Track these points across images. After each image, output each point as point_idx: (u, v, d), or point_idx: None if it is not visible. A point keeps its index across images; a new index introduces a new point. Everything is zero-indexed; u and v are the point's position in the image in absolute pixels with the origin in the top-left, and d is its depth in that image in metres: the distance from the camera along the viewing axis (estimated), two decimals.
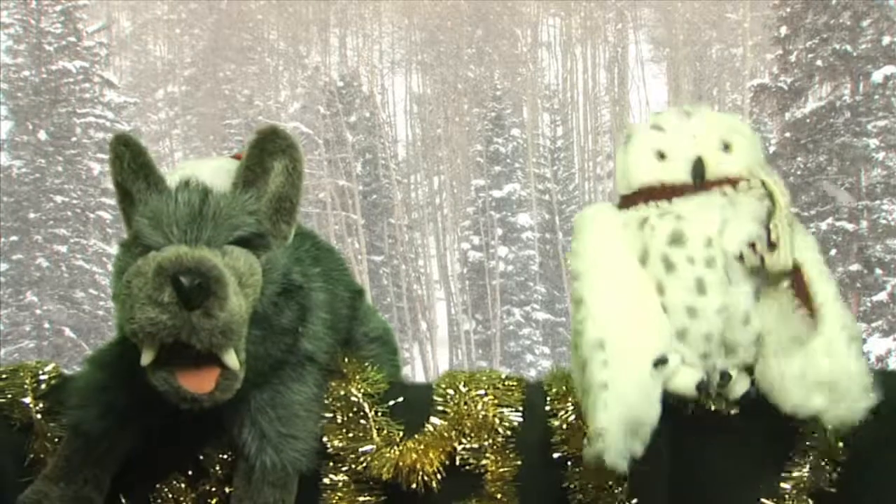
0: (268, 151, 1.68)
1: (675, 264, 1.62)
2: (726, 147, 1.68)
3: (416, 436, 1.72)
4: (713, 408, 1.65)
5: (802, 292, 1.61)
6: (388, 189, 36.15)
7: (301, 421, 1.71)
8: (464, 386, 1.74)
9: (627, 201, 1.70)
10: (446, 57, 43.24)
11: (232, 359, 1.58)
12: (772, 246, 1.60)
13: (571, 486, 1.70)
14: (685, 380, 1.63)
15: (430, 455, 1.70)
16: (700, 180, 1.65)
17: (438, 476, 1.70)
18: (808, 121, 20.33)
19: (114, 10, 49.54)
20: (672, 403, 1.63)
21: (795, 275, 1.61)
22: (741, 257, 1.60)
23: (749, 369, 1.66)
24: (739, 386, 1.65)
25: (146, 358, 1.56)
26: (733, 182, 1.66)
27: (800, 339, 1.60)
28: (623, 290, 1.62)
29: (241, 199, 1.66)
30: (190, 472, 1.77)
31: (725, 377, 1.63)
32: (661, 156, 1.68)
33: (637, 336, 1.60)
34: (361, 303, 1.98)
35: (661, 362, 1.60)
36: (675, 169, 1.67)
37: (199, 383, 1.57)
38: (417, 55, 46.05)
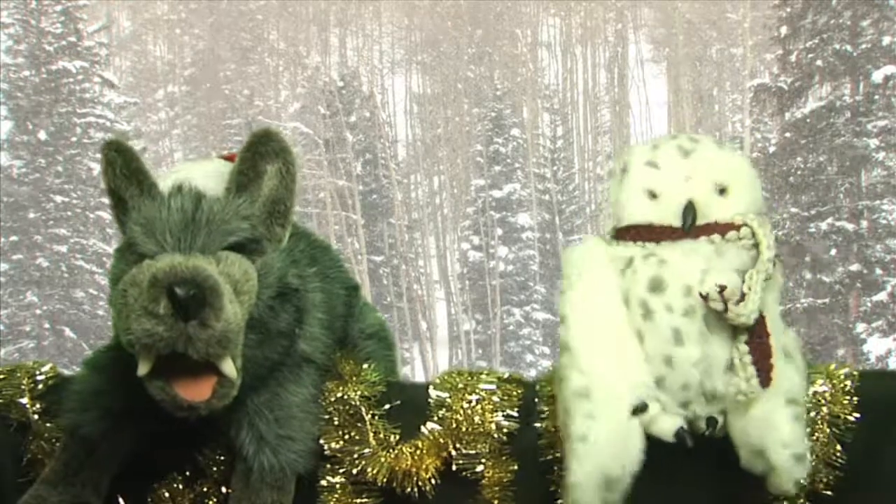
0: (261, 154, 1.67)
1: (654, 312, 1.59)
2: (722, 191, 1.65)
3: (412, 441, 1.72)
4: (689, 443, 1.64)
5: (762, 352, 1.57)
6: (388, 189, 36.15)
7: (298, 422, 1.71)
8: (461, 388, 1.74)
9: (618, 234, 1.68)
10: (446, 57, 43.25)
11: (229, 367, 1.57)
12: (742, 297, 1.56)
13: (560, 490, 1.70)
14: (664, 426, 1.61)
15: (426, 461, 1.70)
16: (689, 225, 1.62)
17: (433, 482, 1.70)
18: (808, 121, 20.33)
19: (114, 10, 49.53)
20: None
21: (758, 330, 1.57)
22: (706, 297, 1.56)
23: None
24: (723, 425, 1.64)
25: (143, 368, 1.55)
26: (723, 229, 1.62)
27: (739, 397, 1.57)
28: (607, 335, 1.60)
29: (234, 204, 1.65)
30: (187, 473, 1.77)
31: (712, 422, 1.61)
32: (653, 195, 1.65)
33: (619, 384, 1.58)
34: (357, 299, 1.97)
35: (640, 410, 1.58)
36: (665, 211, 1.64)
37: (196, 392, 1.57)
38: (417, 55, 46.06)
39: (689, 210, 1.62)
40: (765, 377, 1.56)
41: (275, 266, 1.66)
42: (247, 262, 1.62)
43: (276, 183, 1.68)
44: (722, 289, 1.56)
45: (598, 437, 1.56)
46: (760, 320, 1.57)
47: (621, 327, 1.61)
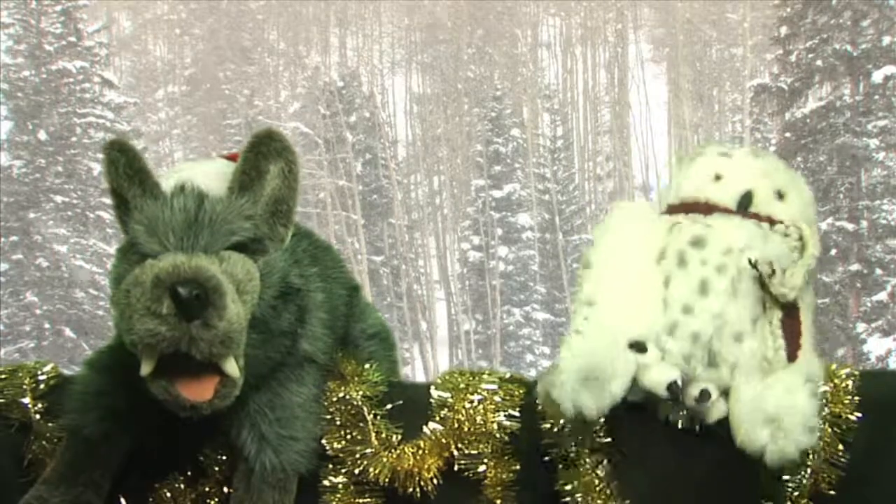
0: (263, 154, 1.67)
1: (688, 262, 1.64)
2: (780, 196, 1.72)
3: (415, 441, 1.72)
4: (680, 424, 1.64)
5: (793, 332, 1.63)
6: (388, 189, 36.16)
7: (300, 422, 1.71)
8: (463, 388, 1.74)
9: (671, 209, 1.74)
10: (446, 57, 43.26)
11: (232, 367, 1.57)
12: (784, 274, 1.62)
13: (562, 489, 1.70)
14: (658, 376, 1.62)
15: (428, 461, 1.70)
16: (744, 209, 1.69)
17: (435, 482, 1.70)
18: (808, 121, 20.34)
19: (114, 10, 49.54)
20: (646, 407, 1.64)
21: (792, 312, 1.63)
22: (754, 264, 1.61)
23: (725, 395, 1.65)
24: (717, 410, 1.65)
25: (146, 368, 1.55)
26: (773, 221, 1.69)
27: (763, 364, 1.62)
28: (629, 271, 1.66)
29: (237, 204, 1.65)
30: (189, 473, 1.76)
31: (705, 395, 1.63)
32: (718, 177, 1.72)
33: (627, 312, 1.63)
34: (358, 299, 1.97)
35: (638, 347, 1.61)
36: (724, 193, 1.71)
37: (198, 392, 1.57)
38: (417, 55, 46.07)
39: (748, 197, 1.70)
40: (791, 352, 1.62)
41: (277, 266, 1.66)
42: (249, 261, 1.62)
43: (279, 183, 1.68)
44: (770, 264, 1.62)
45: (593, 334, 1.60)
46: (795, 305, 1.63)
47: (645, 278, 1.65)
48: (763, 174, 1.72)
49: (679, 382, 1.62)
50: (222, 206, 1.63)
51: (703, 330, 1.62)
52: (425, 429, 1.72)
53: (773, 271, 1.60)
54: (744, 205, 1.69)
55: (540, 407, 1.66)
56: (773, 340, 1.62)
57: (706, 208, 1.70)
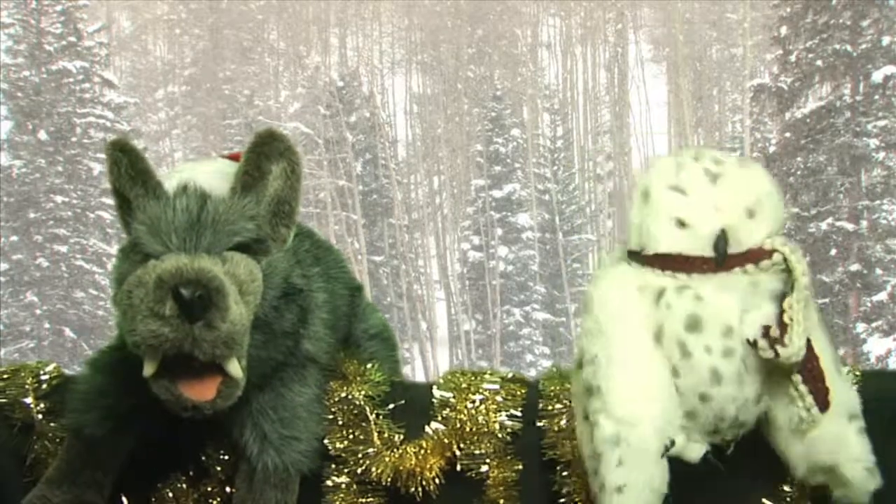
0: (265, 155, 1.67)
1: (692, 352, 1.57)
2: (751, 214, 1.61)
3: (417, 441, 1.72)
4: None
5: (815, 376, 1.59)
6: (388, 189, 36.14)
7: (302, 422, 1.71)
8: (465, 388, 1.74)
9: (641, 260, 1.63)
10: (446, 57, 43.25)
11: (235, 368, 1.57)
12: (783, 327, 1.55)
13: (562, 489, 1.70)
14: (691, 454, 1.62)
15: (430, 461, 1.70)
16: (722, 258, 1.58)
17: (438, 481, 1.70)
18: (808, 121, 20.33)
19: (114, 10, 49.52)
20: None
21: (807, 356, 1.57)
22: (754, 344, 1.55)
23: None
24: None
25: (148, 369, 1.55)
26: (755, 257, 1.59)
27: (802, 426, 1.59)
28: (638, 377, 1.58)
29: (239, 205, 1.65)
30: (191, 473, 1.77)
31: (734, 439, 1.64)
32: (682, 224, 1.59)
33: (649, 428, 1.57)
34: (360, 300, 1.98)
35: (667, 449, 1.59)
36: (696, 241, 1.59)
37: (201, 392, 1.57)
38: (417, 55, 46.05)
39: (722, 241, 1.58)
40: (822, 401, 1.58)
41: (280, 266, 1.66)
42: (252, 262, 1.62)
43: (281, 183, 1.68)
44: (766, 330, 1.55)
45: (634, 486, 1.55)
46: (808, 346, 1.57)
47: (651, 365, 1.59)
48: (727, 200, 1.59)
49: (709, 449, 1.62)
50: (225, 206, 1.64)
51: (725, 412, 1.60)
52: (427, 428, 1.72)
53: (774, 350, 1.54)
54: (721, 252, 1.58)
55: None
56: (803, 401, 1.58)
57: (685, 265, 1.59)
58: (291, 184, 1.69)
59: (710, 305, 1.57)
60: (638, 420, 1.57)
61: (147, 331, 1.52)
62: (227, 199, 1.65)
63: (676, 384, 1.58)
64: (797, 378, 1.58)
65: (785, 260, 1.59)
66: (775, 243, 1.60)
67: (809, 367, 1.58)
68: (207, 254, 1.59)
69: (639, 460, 1.56)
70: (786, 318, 1.55)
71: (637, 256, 1.63)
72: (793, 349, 1.54)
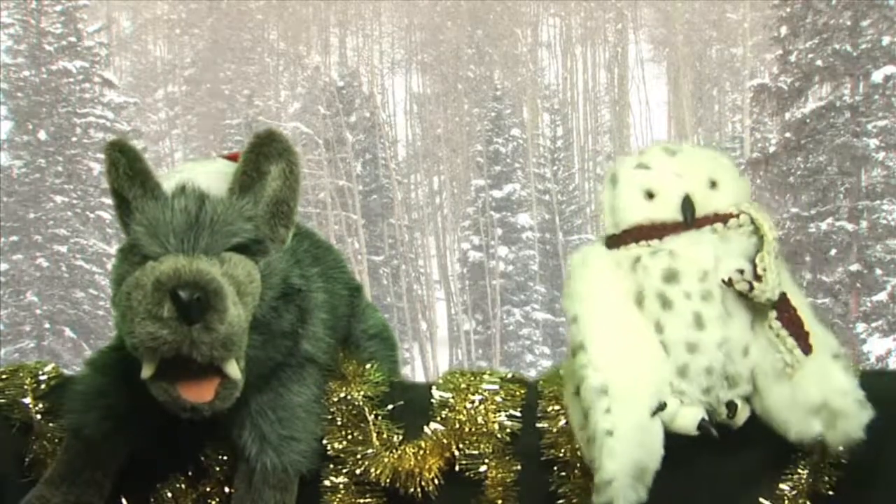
0: (264, 155, 1.67)
1: (672, 301, 1.61)
2: (713, 184, 1.69)
3: (416, 441, 1.72)
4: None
5: (794, 322, 1.62)
6: (388, 189, 36.16)
7: (301, 422, 1.71)
8: (464, 388, 1.74)
9: (616, 241, 1.69)
10: (446, 57, 43.25)
11: (233, 369, 1.57)
12: (758, 278, 1.60)
13: (560, 490, 1.70)
14: (686, 420, 1.63)
15: (429, 461, 1.70)
16: (691, 217, 1.65)
17: (437, 482, 1.70)
18: (808, 121, 20.32)
19: (114, 10, 49.54)
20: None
21: (783, 305, 1.62)
22: (729, 282, 1.60)
23: (748, 398, 1.67)
24: (743, 415, 1.67)
25: (146, 371, 1.55)
26: (723, 218, 1.66)
27: (787, 370, 1.61)
28: (621, 333, 1.62)
29: (238, 205, 1.65)
30: (190, 474, 1.77)
31: (732, 407, 1.64)
32: (650, 195, 1.68)
33: (638, 380, 1.60)
34: (360, 300, 1.97)
35: (659, 409, 1.60)
36: (664, 207, 1.67)
37: (199, 393, 1.57)
38: (417, 55, 46.07)
39: (688, 203, 1.66)
40: (805, 344, 1.61)
41: (278, 267, 1.66)
42: (250, 263, 1.62)
43: (280, 184, 1.68)
44: (741, 271, 1.61)
45: (625, 428, 1.57)
46: (783, 296, 1.62)
47: (635, 323, 1.63)
48: (688, 171, 1.69)
49: (706, 417, 1.63)
50: (223, 207, 1.63)
51: (713, 362, 1.61)
52: (426, 429, 1.72)
53: (749, 283, 1.60)
54: (689, 213, 1.65)
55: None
56: (784, 343, 1.62)
57: (655, 231, 1.66)
58: (290, 184, 1.69)
59: (684, 257, 1.63)
60: (624, 368, 1.60)
61: (145, 333, 1.52)
62: (225, 200, 1.65)
63: (662, 341, 1.62)
64: (776, 324, 1.62)
65: (752, 220, 1.65)
66: (740, 206, 1.67)
67: (787, 315, 1.62)
68: (205, 255, 1.59)
69: (628, 406, 1.58)
70: (759, 270, 1.61)
71: (612, 239, 1.70)
72: (767, 286, 1.59)
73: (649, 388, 1.60)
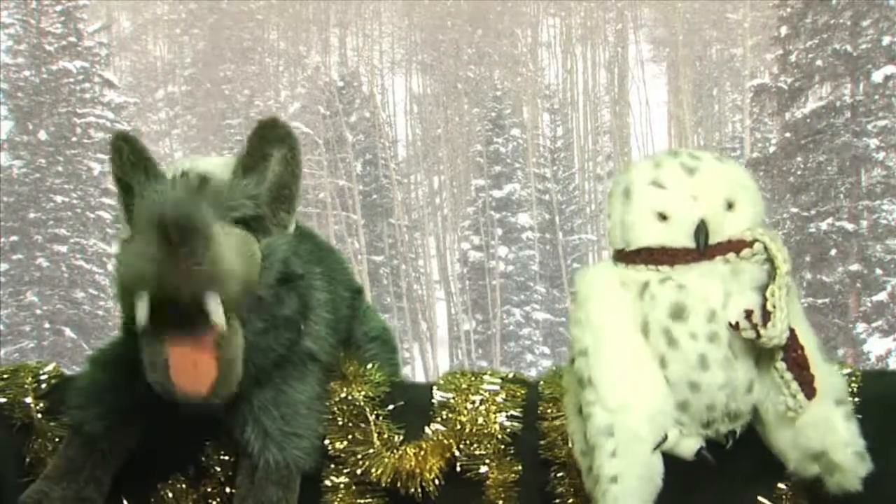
0: (267, 140, 1.70)
1: (678, 340, 1.59)
2: (730, 206, 1.64)
3: (416, 441, 1.72)
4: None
5: (800, 364, 1.60)
6: (388, 189, 36.16)
7: (304, 419, 1.71)
8: (465, 389, 1.74)
9: (625, 258, 1.66)
10: (446, 57, 43.26)
11: (217, 310, 1.54)
12: (767, 315, 1.57)
13: (558, 490, 1.70)
14: (685, 449, 1.63)
15: (430, 461, 1.70)
16: (704, 246, 1.60)
17: (437, 482, 1.70)
18: (808, 121, 20.34)
19: (114, 10, 49.54)
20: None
21: (790, 345, 1.60)
22: (736, 326, 1.57)
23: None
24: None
25: (141, 313, 1.53)
26: (736, 246, 1.62)
27: (790, 414, 1.60)
28: (629, 368, 1.60)
29: (239, 185, 1.67)
30: (191, 473, 1.77)
31: (731, 434, 1.65)
32: (663, 217, 1.63)
33: (643, 420, 1.58)
34: (361, 302, 1.98)
35: (661, 442, 1.60)
36: (677, 232, 1.61)
37: (195, 383, 1.57)
38: (417, 55, 46.06)
39: (702, 230, 1.61)
40: (809, 389, 1.59)
41: (279, 249, 1.67)
42: (250, 236, 1.64)
43: (282, 168, 1.70)
44: (749, 314, 1.57)
45: (629, 476, 1.56)
46: (791, 334, 1.59)
47: (641, 356, 1.60)
48: (705, 192, 1.62)
49: (704, 445, 1.63)
50: (225, 185, 1.66)
51: (715, 401, 1.61)
52: (427, 430, 1.73)
53: (756, 331, 1.56)
54: (702, 241, 1.60)
55: None
56: (788, 387, 1.59)
57: (666, 256, 1.62)
58: (292, 169, 1.71)
59: (693, 292, 1.59)
60: (631, 409, 1.58)
61: (134, 267, 1.52)
62: (227, 181, 1.67)
63: (666, 375, 1.60)
64: (782, 366, 1.60)
65: (766, 249, 1.61)
66: (755, 233, 1.63)
67: (794, 356, 1.60)
68: None
69: (633, 450, 1.57)
70: (769, 306, 1.57)
71: (621, 255, 1.66)
72: (775, 331, 1.56)
73: (654, 426, 1.59)
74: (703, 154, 1.69)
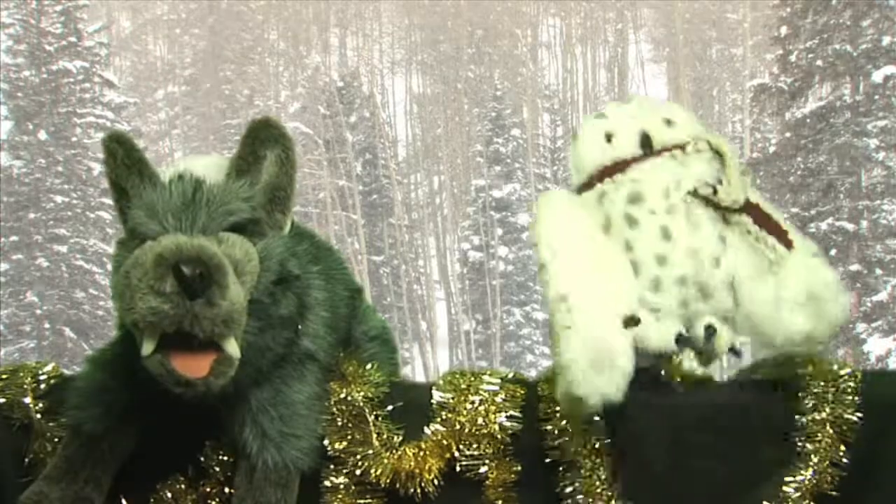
0: (260, 141, 1.69)
1: (638, 219, 1.65)
2: (668, 122, 1.73)
3: (416, 442, 1.72)
4: (698, 368, 1.66)
5: (771, 223, 1.66)
6: (388, 189, 36.16)
7: (302, 419, 1.71)
8: (464, 389, 1.74)
9: (583, 188, 1.75)
10: (446, 57, 43.25)
11: (233, 347, 1.57)
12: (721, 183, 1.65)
13: (564, 490, 1.70)
14: (663, 334, 1.64)
15: (429, 462, 1.70)
16: (649, 149, 1.70)
17: (437, 483, 1.70)
18: (808, 121, 20.33)
19: (114, 10, 49.54)
20: (658, 377, 1.65)
21: (756, 211, 1.66)
22: (694, 192, 1.64)
23: (726, 320, 1.68)
24: (724, 339, 1.68)
25: (147, 348, 1.55)
26: (681, 147, 1.70)
27: (773, 268, 1.64)
28: (585, 250, 1.65)
29: (234, 187, 1.66)
30: (190, 474, 1.77)
31: (710, 330, 1.66)
32: (609, 137, 1.74)
33: (602, 291, 1.61)
34: (360, 302, 1.98)
35: (631, 321, 1.61)
36: (624, 145, 1.73)
37: (195, 368, 1.56)
38: (417, 55, 46.06)
39: (646, 137, 1.71)
40: (784, 239, 1.65)
41: (276, 250, 1.67)
42: (248, 243, 1.63)
43: (276, 169, 1.69)
44: (704, 183, 1.65)
45: (584, 323, 1.58)
46: (755, 204, 1.66)
47: (602, 247, 1.66)
48: (642, 113, 1.75)
49: (684, 331, 1.65)
50: (219, 189, 1.65)
51: (685, 271, 1.64)
52: (426, 430, 1.72)
53: (713, 188, 1.64)
54: (647, 145, 1.71)
55: (561, 409, 1.64)
56: (765, 242, 1.65)
57: (618, 168, 1.71)
58: (286, 170, 1.70)
59: (646, 179, 1.68)
60: (588, 282, 1.61)
61: (147, 308, 1.52)
62: (221, 183, 1.67)
63: (633, 260, 1.65)
64: (755, 227, 1.65)
65: (710, 145, 1.68)
66: (698, 136, 1.71)
67: (762, 217, 1.66)
68: (203, 234, 1.60)
69: (589, 310, 1.59)
70: (724, 180, 1.65)
71: (579, 188, 1.75)
72: (731, 188, 1.64)
73: (616, 299, 1.61)
74: (634, 95, 1.85)
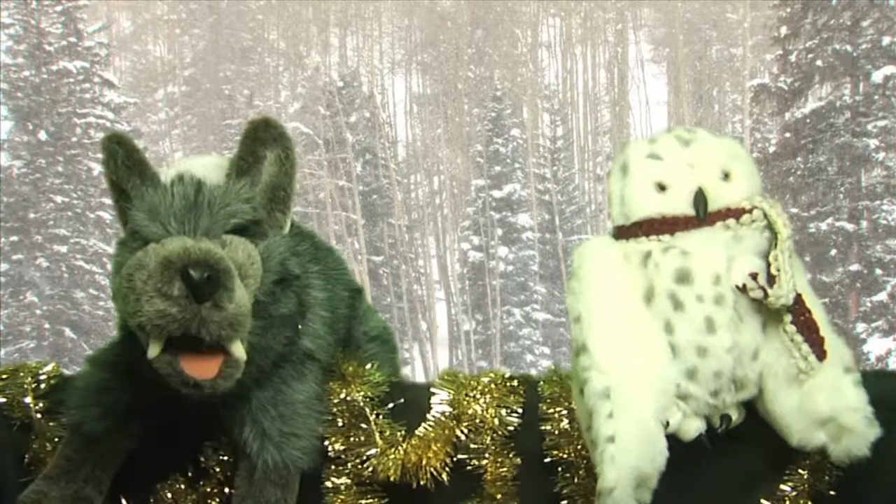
0: (260, 141, 1.69)
1: (684, 303, 1.58)
2: (726, 176, 1.65)
3: (418, 432, 1.72)
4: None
5: (809, 327, 1.60)
6: (388, 189, 36.14)
7: (302, 419, 1.71)
8: (464, 384, 1.74)
9: (625, 233, 1.66)
10: (446, 57, 43.24)
11: (239, 349, 1.58)
12: (771, 278, 1.58)
13: (563, 490, 1.70)
14: (687, 430, 1.62)
15: (434, 447, 1.70)
16: (703, 212, 1.62)
17: (446, 468, 1.69)
18: (808, 121, 20.33)
19: (114, 10, 49.52)
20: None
21: (798, 308, 1.60)
22: (743, 288, 1.57)
23: (744, 405, 1.66)
24: (734, 422, 1.66)
25: (153, 350, 1.56)
26: (735, 213, 1.62)
27: (801, 377, 1.59)
28: (627, 332, 1.59)
29: (235, 188, 1.67)
30: (190, 474, 1.77)
31: (725, 419, 1.63)
32: (661, 187, 1.64)
33: (642, 383, 1.57)
34: (361, 302, 1.98)
35: (663, 426, 1.59)
36: (676, 201, 1.63)
37: (203, 369, 1.57)
38: (417, 55, 46.05)
39: (701, 197, 1.62)
40: (819, 350, 1.59)
41: (277, 251, 1.67)
42: (250, 245, 1.64)
43: (276, 169, 1.70)
44: (754, 276, 1.58)
45: (627, 435, 1.54)
46: (799, 298, 1.59)
47: (642, 322, 1.60)
48: (701, 161, 1.64)
49: (704, 432, 1.62)
50: (220, 190, 1.65)
51: (723, 366, 1.59)
52: (428, 416, 1.73)
53: (764, 290, 1.57)
54: (701, 207, 1.61)
55: None
56: (799, 349, 1.59)
57: (667, 225, 1.63)
58: (286, 170, 1.70)
59: (697, 257, 1.60)
60: (628, 370, 1.57)
61: (154, 311, 1.52)
62: (222, 185, 1.67)
63: (672, 342, 1.59)
64: (791, 328, 1.59)
65: (765, 215, 1.62)
66: (754, 201, 1.64)
67: (802, 318, 1.60)
68: (206, 237, 1.60)
69: (630, 411, 1.55)
70: (773, 269, 1.58)
71: (621, 231, 1.67)
72: (781, 291, 1.57)
73: (654, 391, 1.57)
74: (698, 129, 1.71)
